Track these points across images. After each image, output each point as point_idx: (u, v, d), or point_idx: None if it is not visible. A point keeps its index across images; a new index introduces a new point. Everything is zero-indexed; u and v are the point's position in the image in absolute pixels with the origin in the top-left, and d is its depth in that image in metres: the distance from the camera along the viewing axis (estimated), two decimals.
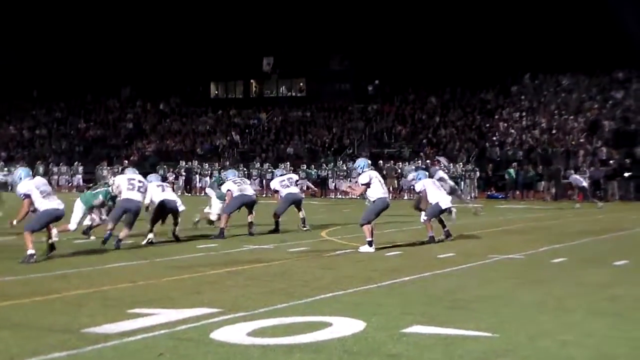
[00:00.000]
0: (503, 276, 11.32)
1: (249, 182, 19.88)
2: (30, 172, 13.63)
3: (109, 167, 44.83)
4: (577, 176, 32.98)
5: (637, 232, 18.99)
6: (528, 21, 49.60)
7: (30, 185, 12.88)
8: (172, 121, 57.34)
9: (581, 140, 40.85)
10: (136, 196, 15.25)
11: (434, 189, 16.07)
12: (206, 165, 44.62)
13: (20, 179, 13.08)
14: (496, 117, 47.01)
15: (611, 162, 37.22)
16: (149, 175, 17.45)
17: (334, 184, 41.51)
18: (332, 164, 43.18)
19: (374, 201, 14.44)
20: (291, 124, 53.57)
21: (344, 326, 7.43)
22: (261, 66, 58.98)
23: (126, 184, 15.34)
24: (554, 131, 42.85)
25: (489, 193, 39.29)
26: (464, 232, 17.50)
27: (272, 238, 16.75)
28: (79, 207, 15.96)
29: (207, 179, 42.30)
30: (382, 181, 14.77)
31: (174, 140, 53.78)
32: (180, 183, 43.85)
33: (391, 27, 54.56)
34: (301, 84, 59.83)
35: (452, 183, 21.32)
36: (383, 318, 7.87)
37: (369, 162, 15.82)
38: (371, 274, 11.29)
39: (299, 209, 19.08)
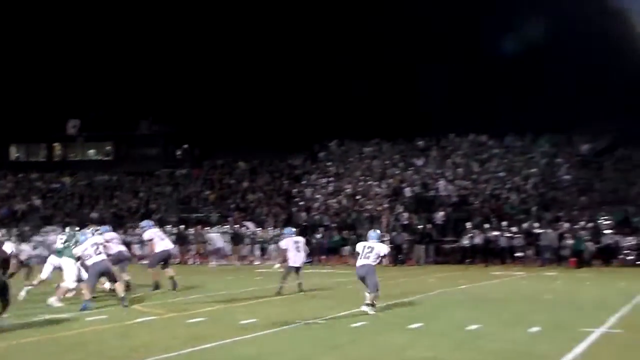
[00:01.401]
0: (304, 341, 11.37)
1: None
2: None
3: None
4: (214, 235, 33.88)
5: (433, 295, 19.63)
6: (291, 90, 51.32)
7: None
8: None
9: (385, 206, 42.15)
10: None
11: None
12: (3, 231, 42.50)
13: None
14: (303, 182, 47.81)
15: (420, 227, 38.59)
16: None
17: (142, 250, 40.49)
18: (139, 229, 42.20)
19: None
20: (96, 188, 52.21)
21: None
22: (66, 128, 57.35)
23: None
24: (358, 197, 44.02)
25: None
26: (268, 297, 17.49)
27: (70, 307, 16.05)
28: (72, 263, 16.73)
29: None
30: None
31: None
32: None
33: (201, 92, 54.82)
34: (108, 148, 58.61)
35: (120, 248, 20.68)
36: None
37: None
38: (171, 342, 11.04)
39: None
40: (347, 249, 37.25)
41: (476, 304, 17.16)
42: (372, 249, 15.17)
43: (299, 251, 19.67)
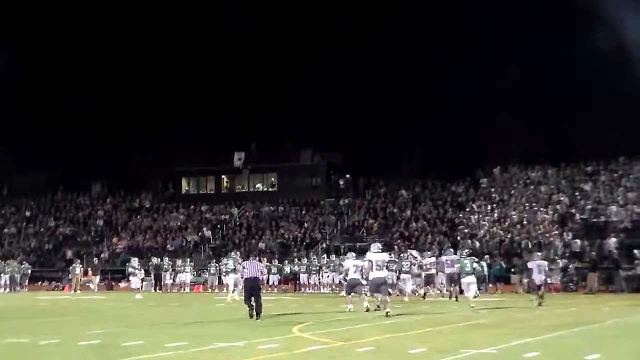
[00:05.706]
0: None
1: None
2: None
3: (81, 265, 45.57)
4: None
5: (608, 325, 18.89)
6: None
7: None
8: (143, 217, 57.04)
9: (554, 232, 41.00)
10: None
11: None
12: (179, 262, 44.38)
13: None
14: (467, 209, 47.18)
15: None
16: None
17: (309, 278, 41.39)
18: (305, 258, 43.00)
19: None
20: (263, 218, 53.46)
21: None
22: (232, 161, 59.06)
23: None
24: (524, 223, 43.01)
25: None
26: (436, 326, 17.32)
27: (246, 334, 16.38)
28: None
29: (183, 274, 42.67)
30: None
31: (145, 237, 53.39)
32: (152, 280, 43.51)
33: (361, 121, 55.38)
34: (272, 179, 59.90)
35: None
36: None
37: None
38: None
39: None
40: (515, 277, 36.56)
41: None
42: None
43: None
